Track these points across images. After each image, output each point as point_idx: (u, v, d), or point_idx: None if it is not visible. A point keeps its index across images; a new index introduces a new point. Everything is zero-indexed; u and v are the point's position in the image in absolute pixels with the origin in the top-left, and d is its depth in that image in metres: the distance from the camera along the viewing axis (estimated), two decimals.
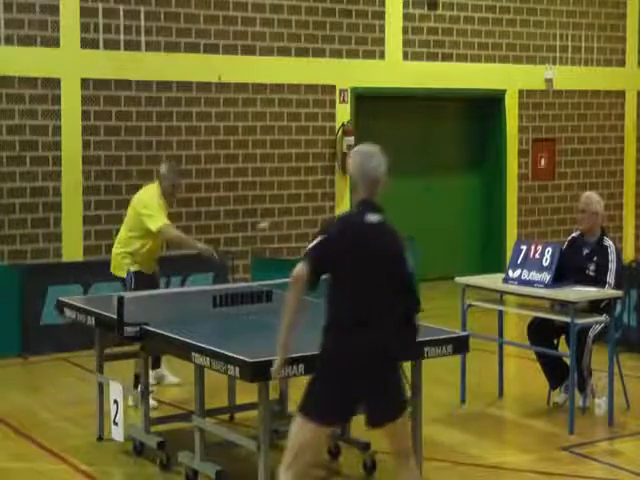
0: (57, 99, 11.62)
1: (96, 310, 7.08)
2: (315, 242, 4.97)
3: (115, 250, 8.56)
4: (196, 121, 12.51)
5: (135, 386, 7.90)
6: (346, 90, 13.55)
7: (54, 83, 11.59)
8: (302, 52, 13.19)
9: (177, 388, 8.63)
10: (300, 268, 4.91)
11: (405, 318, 5.12)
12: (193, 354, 5.96)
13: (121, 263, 8.47)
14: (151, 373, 8.72)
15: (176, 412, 7.72)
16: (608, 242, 8.16)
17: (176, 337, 6.19)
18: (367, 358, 4.93)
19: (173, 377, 8.78)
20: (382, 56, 13.86)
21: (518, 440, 7.70)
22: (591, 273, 8.07)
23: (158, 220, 8.29)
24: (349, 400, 4.99)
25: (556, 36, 15.31)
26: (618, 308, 8.75)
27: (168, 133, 12.34)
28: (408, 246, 5.26)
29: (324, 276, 5.00)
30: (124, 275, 8.43)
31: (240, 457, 6.82)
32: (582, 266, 8.09)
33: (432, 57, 14.25)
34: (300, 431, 4.97)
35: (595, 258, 8.10)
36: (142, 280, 8.40)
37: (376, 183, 5.08)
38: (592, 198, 8.30)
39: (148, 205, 8.35)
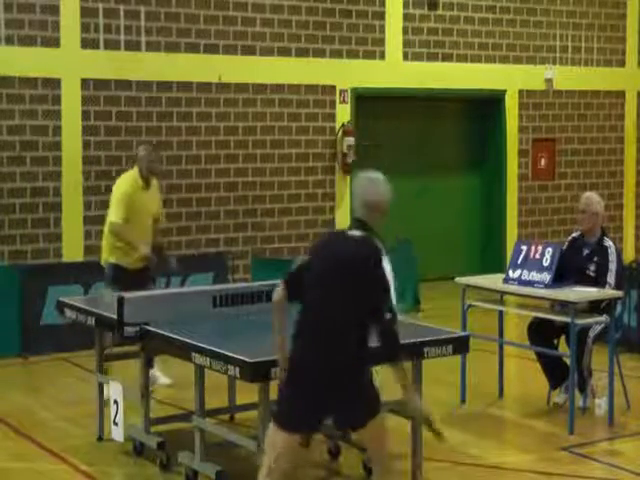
0: (57, 99, 11.63)
1: (96, 310, 7.08)
2: (301, 262, 5.16)
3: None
4: (196, 121, 12.52)
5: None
6: (346, 90, 13.56)
7: (54, 83, 11.60)
8: (302, 52, 13.19)
9: (177, 388, 8.63)
10: (277, 292, 5.13)
11: (378, 333, 4.96)
12: (193, 354, 5.96)
13: (102, 253, 8.62)
14: None
15: (176, 412, 7.71)
16: (608, 242, 8.16)
17: (176, 337, 6.19)
18: (327, 369, 4.92)
19: (165, 378, 8.77)
20: (382, 56, 13.86)
21: (518, 440, 7.70)
22: (591, 273, 8.06)
23: (112, 214, 8.49)
24: (315, 408, 4.96)
25: (556, 36, 15.32)
26: (618, 308, 8.75)
27: (168, 133, 12.35)
28: (387, 256, 5.24)
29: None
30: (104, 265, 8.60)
31: (240, 457, 6.82)
32: (582, 266, 8.09)
33: (432, 57, 14.25)
34: (273, 438, 5.00)
35: (595, 258, 8.10)
36: (120, 274, 8.46)
37: (374, 209, 5.22)
38: (593, 198, 8.30)
39: (114, 195, 8.57)
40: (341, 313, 4.95)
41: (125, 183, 8.65)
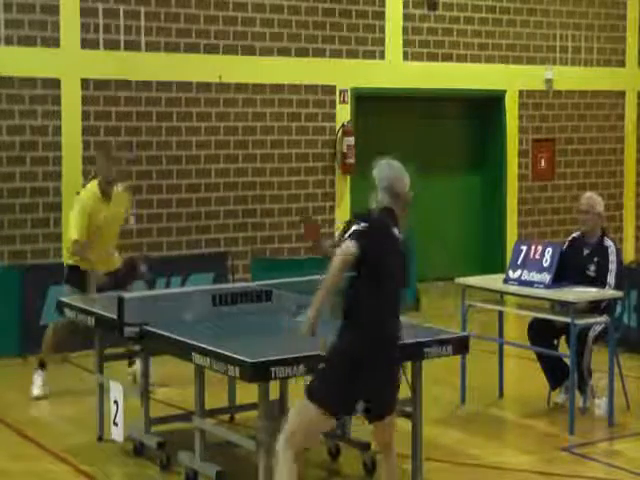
0: (57, 99, 11.62)
1: (96, 310, 7.08)
2: (362, 230, 5.12)
3: None
4: (196, 121, 12.51)
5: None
6: (346, 90, 13.55)
7: (54, 83, 11.59)
8: (302, 52, 13.19)
9: (177, 388, 8.62)
10: (350, 245, 5.05)
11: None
12: (193, 354, 5.96)
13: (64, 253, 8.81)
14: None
15: (176, 412, 7.71)
16: (608, 242, 8.17)
17: (176, 337, 6.20)
18: (386, 352, 5.17)
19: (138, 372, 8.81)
20: (382, 56, 13.85)
21: (518, 440, 7.71)
22: (591, 273, 8.07)
23: (71, 232, 8.48)
24: (358, 394, 5.15)
25: (556, 36, 15.31)
26: (618, 309, 8.75)
27: (168, 133, 12.34)
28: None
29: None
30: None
31: (240, 457, 6.82)
32: (582, 266, 8.09)
33: (432, 57, 14.24)
34: (304, 414, 5.12)
35: (595, 258, 8.10)
36: (75, 277, 8.54)
37: (402, 198, 5.36)
38: (594, 199, 8.31)
39: (73, 210, 8.57)
40: (399, 298, 5.28)
41: (84, 197, 8.63)
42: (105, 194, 8.61)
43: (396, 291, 5.29)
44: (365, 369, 5.07)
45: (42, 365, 8.80)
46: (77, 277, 8.51)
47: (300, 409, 5.17)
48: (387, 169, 5.45)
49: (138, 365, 8.66)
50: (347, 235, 5.14)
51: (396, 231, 5.30)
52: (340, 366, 5.10)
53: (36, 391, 8.68)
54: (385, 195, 5.32)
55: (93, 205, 8.53)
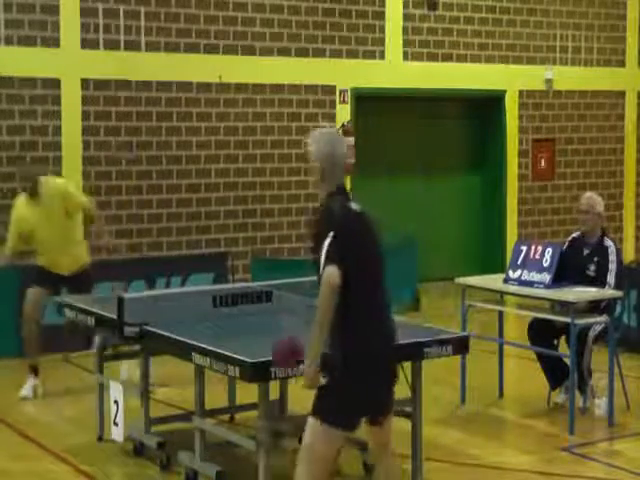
0: (57, 99, 11.63)
1: (96, 310, 7.08)
2: (333, 241, 4.70)
3: None
4: (196, 121, 12.51)
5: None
6: (346, 90, 13.55)
7: (54, 83, 11.59)
8: (302, 52, 13.19)
9: (177, 388, 8.62)
10: (333, 273, 4.63)
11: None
12: (193, 354, 5.96)
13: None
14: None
15: (176, 412, 7.71)
16: (609, 242, 8.16)
17: (176, 337, 6.19)
18: (388, 350, 4.90)
19: (124, 371, 8.82)
20: (382, 56, 13.86)
21: (518, 440, 7.70)
22: (591, 273, 8.06)
23: (7, 241, 8.82)
24: (374, 398, 4.89)
25: (556, 36, 15.31)
26: (618, 308, 8.75)
27: (168, 133, 12.34)
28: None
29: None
30: None
31: (240, 457, 6.82)
32: (582, 266, 8.09)
33: (432, 57, 14.25)
34: (324, 441, 4.73)
35: (595, 258, 8.10)
36: (39, 276, 8.79)
37: (343, 169, 4.93)
38: (595, 199, 8.31)
39: (10, 223, 8.83)
40: (385, 295, 4.91)
41: (15, 205, 8.88)
42: (32, 196, 8.71)
43: (383, 286, 4.92)
44: (370, 373, 4.79)
45: (34, 370, 8.88)
46: (42, 279, 8.81)
47: (316, 439, 4.74)
48: (335, 140, 4.96)
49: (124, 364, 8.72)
50: (324, 255, 4.69)
51: (357, 208, 4.90)
52: (345, 377, 4.72)
53: (23, 392, 8.78)
54: (332, 173, 4.87)
55: (22, 211, 8.76)
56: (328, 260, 4.67)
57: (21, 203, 8.82)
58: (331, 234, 4.71)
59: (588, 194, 8.51)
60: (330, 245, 4.68)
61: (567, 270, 7.87)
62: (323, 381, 4.73)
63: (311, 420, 4.78)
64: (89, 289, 8.86)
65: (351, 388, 4.73)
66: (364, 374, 4.76)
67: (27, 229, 8.72)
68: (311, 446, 4.77)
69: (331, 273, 4.63)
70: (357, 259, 4.76)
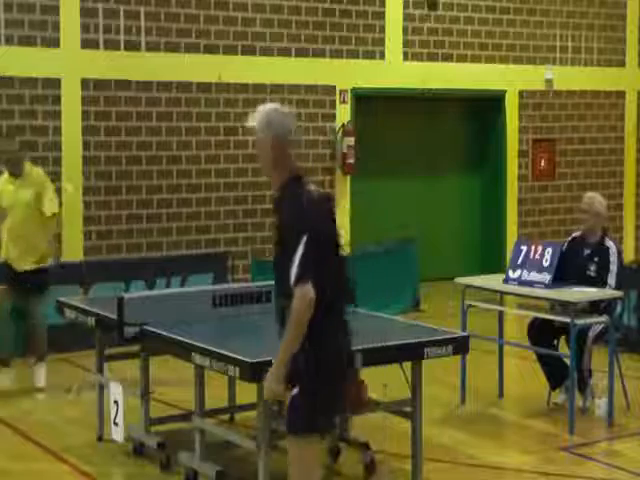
0: (57, 99, 11.63)
1: (96, 310, 7.08)
2: (308, 246, 4.40)
3: None
4: (196, 121, 12.51)
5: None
6: (346, 90, 13.55)
7: (54, 83, 11.59)
8: (302, 52, 13.19)
9: (177, 388, 8.61)
10: (310, 290, 4.36)
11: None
12: (193, 354, 5.96)
13: None
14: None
15: (176, 412, 7.71)
16: (609, 243, 8.16)
17: (176, 337, 6.19)
18: (350, 349, 4.75)
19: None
20: (382, 56, 13.86)
21: (518, 440, 7.70)
22: (592, 273, 8.06)
23: None
24: (341, 398, 4.73)
25: (556, 36, 15.31)
26: (618, 309, 8.75)
27: (168, 133, 12.34)
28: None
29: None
30: None
31: (240, 457, 6.82)
32: (583, 266, 8.09)
33: (432, 57, 14.25)
34: (308, 449, 4.59)
35: (596, 259, 8.09)
36: (4, 274, 8.86)
37: (294, 148, 4.63)
38: (596, 199, 8.30)
39: None
40: (346, 290, 4.69)
41: None
42: (14, 176, 8.84)
43: (346, 286, 4.66)
44: (338, 373, 4.59)
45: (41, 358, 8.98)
46: (7, 277, 8.92)
47: (299, 451, 4.57)
48: (289, 118, 4.57)
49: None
50: (297, 261, 4.37)
51: (316, 191, 4.66)
52: (316, 381, 4.48)
53: (43, 382, 8.89)
54: (283, 156, 4.55)
55: (1, 187, 8.90)
56: (304, 270, 4.37)
57: (3, 179, 9.00)
58: (304, 238, 4.41)
59: (590, 194, 8.50)
60: (305, 252, 4.39)
61: (567, 270, 7.87)
62: (294, 391, 4.51)
63: (291, 438, 4.62)
64: (40, 292, 8.95)
65: (323, 390, 4.52)
66: (333, 374, 4.57)
67: (2, 205, 8.92)
68: (299, 460, 4.62)
69: (309, 289, 4.35)
70: (328, 262, 4.52)
